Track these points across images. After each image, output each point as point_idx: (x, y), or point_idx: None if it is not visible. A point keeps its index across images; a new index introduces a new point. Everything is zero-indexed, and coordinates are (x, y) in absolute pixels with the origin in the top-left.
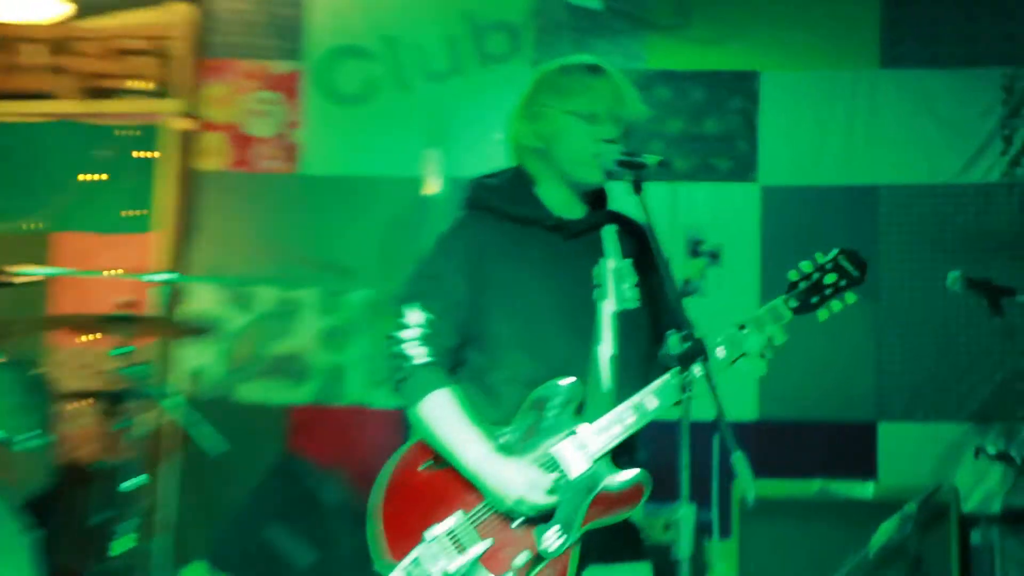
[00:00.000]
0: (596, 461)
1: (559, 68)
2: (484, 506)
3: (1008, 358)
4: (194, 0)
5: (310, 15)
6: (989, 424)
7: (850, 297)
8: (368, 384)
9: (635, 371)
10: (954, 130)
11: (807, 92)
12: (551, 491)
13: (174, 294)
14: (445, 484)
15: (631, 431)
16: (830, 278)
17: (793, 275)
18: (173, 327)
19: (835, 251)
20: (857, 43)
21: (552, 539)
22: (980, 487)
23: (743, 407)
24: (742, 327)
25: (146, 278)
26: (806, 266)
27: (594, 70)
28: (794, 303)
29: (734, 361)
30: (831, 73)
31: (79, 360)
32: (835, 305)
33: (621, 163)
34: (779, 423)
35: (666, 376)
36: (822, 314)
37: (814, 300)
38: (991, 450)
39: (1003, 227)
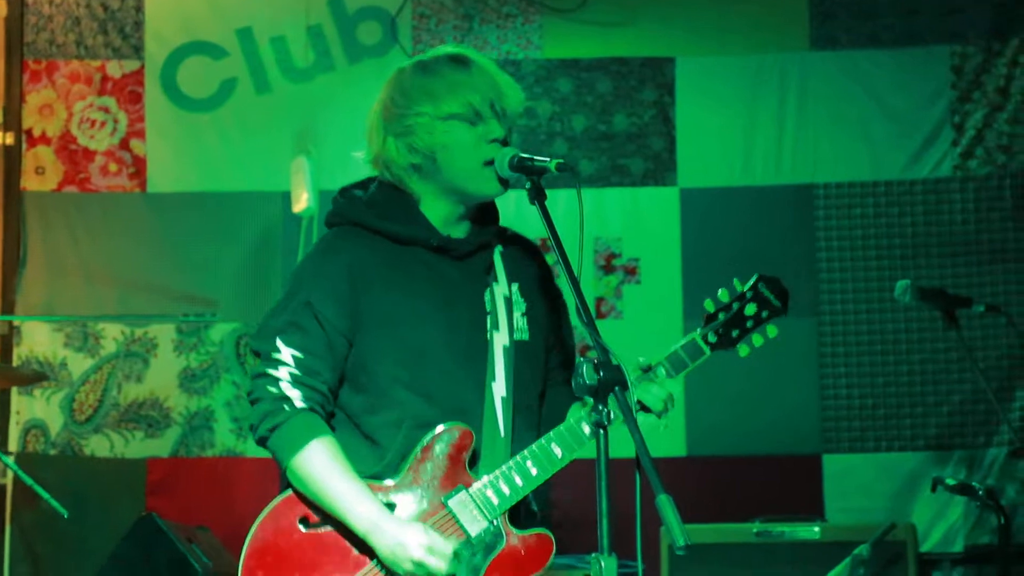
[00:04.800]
0: (496, 518)
1: (416, 67)
2: (371, 570)
3: (966, 377)
4: None
5: (150, 7)
6: (948, 452)
7: (772, 330)
8: (238, 431)
9: (529, 413)
10: (898, 119)
11: (729, 80)
12: (453, 555)
13: (3, 336)
14: (323, 545)
15: (534, 484)
16: (750, 309)
17: (710, 305)
18: (5, 374)
19: (754, 277)
20: (784, 22)
21: None
22: (940, 524)
23: (668, 442)
24: (648, 368)
25: None
26: (724, 295)
27: (459, 61)
28: (713, 338)
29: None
30: (756, 57)
31: None
32: (756, 339)
33: (518, 168)
34: (710, 459)
35: (568, 421)
36: (743, 349)
37: (735, 333)
38: (951, 481)
39: (956, 227)
